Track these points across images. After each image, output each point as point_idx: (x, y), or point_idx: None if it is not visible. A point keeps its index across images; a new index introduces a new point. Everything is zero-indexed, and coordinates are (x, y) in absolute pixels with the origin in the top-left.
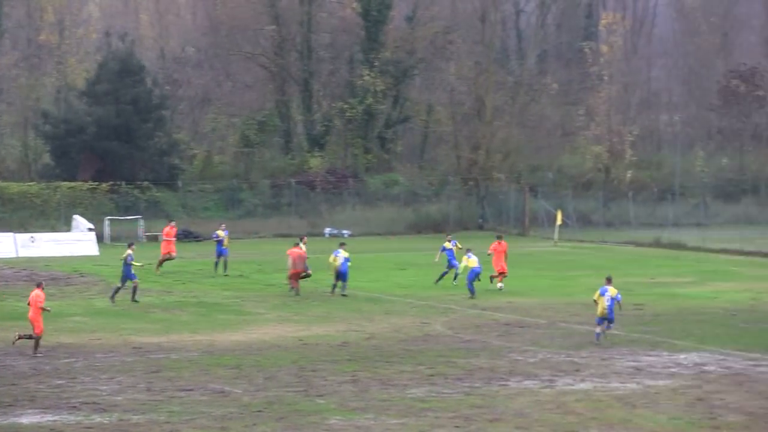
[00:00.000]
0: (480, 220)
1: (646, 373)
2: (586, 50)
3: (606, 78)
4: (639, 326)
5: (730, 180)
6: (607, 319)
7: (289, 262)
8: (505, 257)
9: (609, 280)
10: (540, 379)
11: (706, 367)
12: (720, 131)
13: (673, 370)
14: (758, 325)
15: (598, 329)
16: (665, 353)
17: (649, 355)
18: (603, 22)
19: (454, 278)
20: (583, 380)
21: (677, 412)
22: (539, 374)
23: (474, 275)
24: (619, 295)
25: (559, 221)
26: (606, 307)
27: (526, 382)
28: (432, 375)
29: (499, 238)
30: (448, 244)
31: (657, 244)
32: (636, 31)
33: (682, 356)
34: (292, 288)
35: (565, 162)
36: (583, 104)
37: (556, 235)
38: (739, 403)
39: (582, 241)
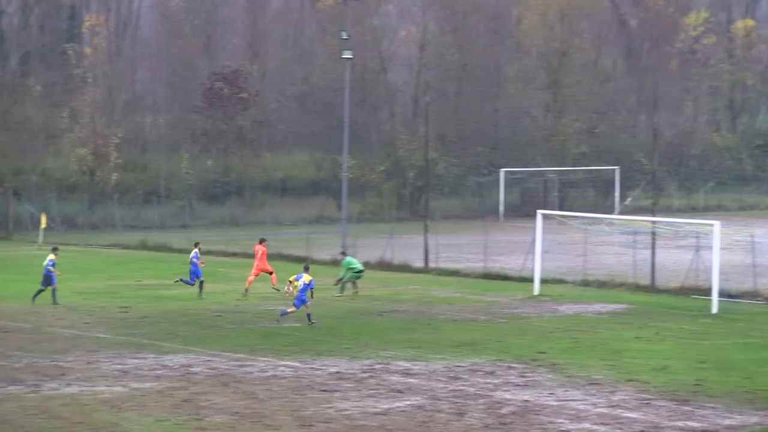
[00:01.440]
0: None
1: (132, 376)
2: (70, 52)
3: (90, 80)
4: (125, 329)
5: (215, 182)
6: (299, 299)
7: None
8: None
9: (306, 269)
10: (25, 384)
11: (192, 369)
12: (205, 133)
13: (159, 372)
14: (243, 326)
15: (289, 309)
16: (152, 355)
17: (136, 358)
18: (87, 23)
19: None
20: (68, 384)
21: (164, 414)
22: (24, 379)
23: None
24: (312, 283)
25: (43, 224)
26: (299, 289)
27: (11, 388)
28: None
29: (262, 241)
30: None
31: (143, 246)
32: (120, 33)
33: (169, 358)
34: None
35: (50, 164)
36: (68, 106)
37: (40, 239)
38: (225, 404)
39: (67, 244)
